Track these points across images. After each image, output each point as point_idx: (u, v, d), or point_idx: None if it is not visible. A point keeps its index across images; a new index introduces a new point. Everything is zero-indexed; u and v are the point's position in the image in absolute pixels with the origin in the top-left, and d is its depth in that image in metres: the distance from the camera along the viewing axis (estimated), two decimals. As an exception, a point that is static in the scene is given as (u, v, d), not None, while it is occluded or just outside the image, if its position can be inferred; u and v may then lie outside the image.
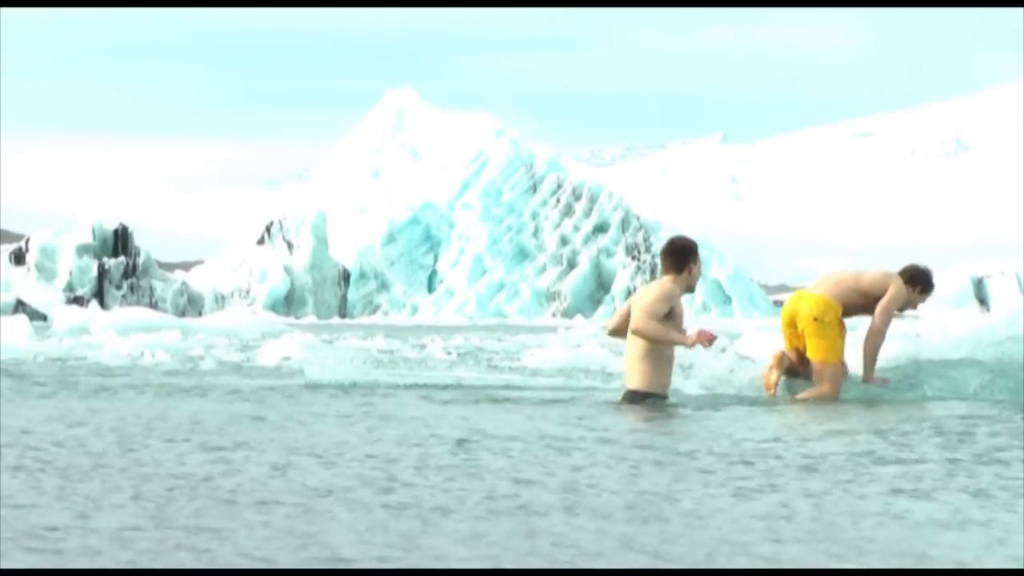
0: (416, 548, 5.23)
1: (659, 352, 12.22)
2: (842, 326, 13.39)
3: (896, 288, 13.44)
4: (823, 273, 13.96)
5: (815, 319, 13.28)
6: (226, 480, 6.94)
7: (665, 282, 12.45)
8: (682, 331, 12.26)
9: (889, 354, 13.37)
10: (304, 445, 8.58)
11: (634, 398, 12.18)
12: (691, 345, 12.17)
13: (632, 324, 12.24)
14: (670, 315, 12.26)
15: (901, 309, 13.57)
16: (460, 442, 8.81)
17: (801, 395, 13.23)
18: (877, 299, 13.48)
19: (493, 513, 6.04)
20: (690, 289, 12.46)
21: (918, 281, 13.58)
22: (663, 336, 12.12)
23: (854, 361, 13.50)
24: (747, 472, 7.45)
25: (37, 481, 6.87)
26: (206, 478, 7.01)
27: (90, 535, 5.43)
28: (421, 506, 6.17)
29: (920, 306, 13.77)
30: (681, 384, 13.84)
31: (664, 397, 12.24)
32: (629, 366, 12.34)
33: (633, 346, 12.29)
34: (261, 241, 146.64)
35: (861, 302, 13.53)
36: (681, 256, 12.49)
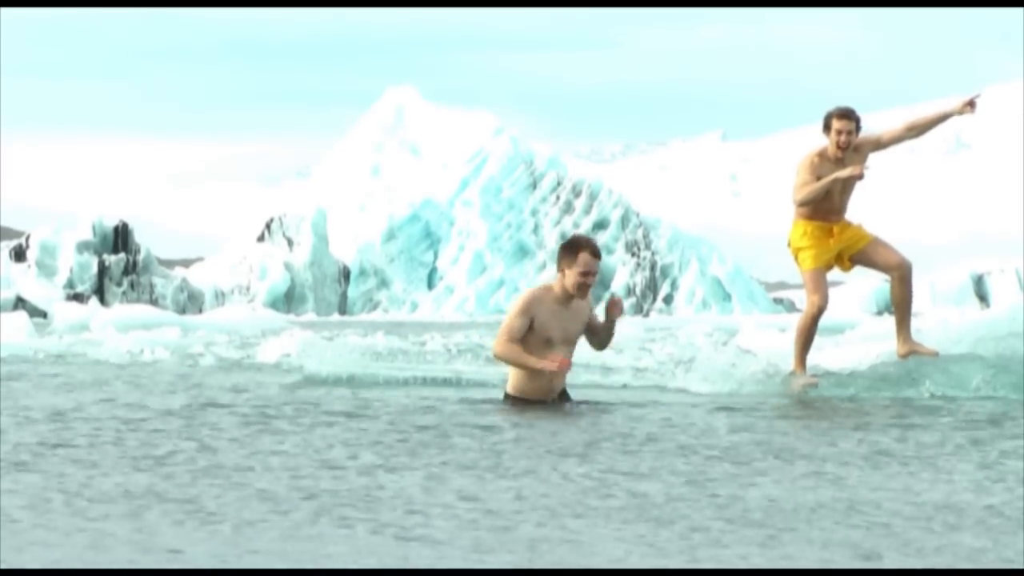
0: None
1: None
2: (816, 231, 12.84)
3: (798, 175, 12.75)
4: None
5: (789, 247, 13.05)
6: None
7: (537, 288, 11.58)
8: (547, 345, 11.18)
9: (892, 348, 13.33)
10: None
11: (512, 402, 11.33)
12: (547, 369, 11.03)
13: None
14: (532, 327, 11.26)
15: (842, 156, 12.55)
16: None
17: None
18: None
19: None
20: (568, 294, 11.20)
21: (825, 125, 12.72)
22: (518, 362, 11.11)
23: (839, 363, 13.50)
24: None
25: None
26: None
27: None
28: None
29: (874, 158, 12.80)
30: (683, 378, 13.78)
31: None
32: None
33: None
34: (261, 238, 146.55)
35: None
36: (559, 256, 11.33)
